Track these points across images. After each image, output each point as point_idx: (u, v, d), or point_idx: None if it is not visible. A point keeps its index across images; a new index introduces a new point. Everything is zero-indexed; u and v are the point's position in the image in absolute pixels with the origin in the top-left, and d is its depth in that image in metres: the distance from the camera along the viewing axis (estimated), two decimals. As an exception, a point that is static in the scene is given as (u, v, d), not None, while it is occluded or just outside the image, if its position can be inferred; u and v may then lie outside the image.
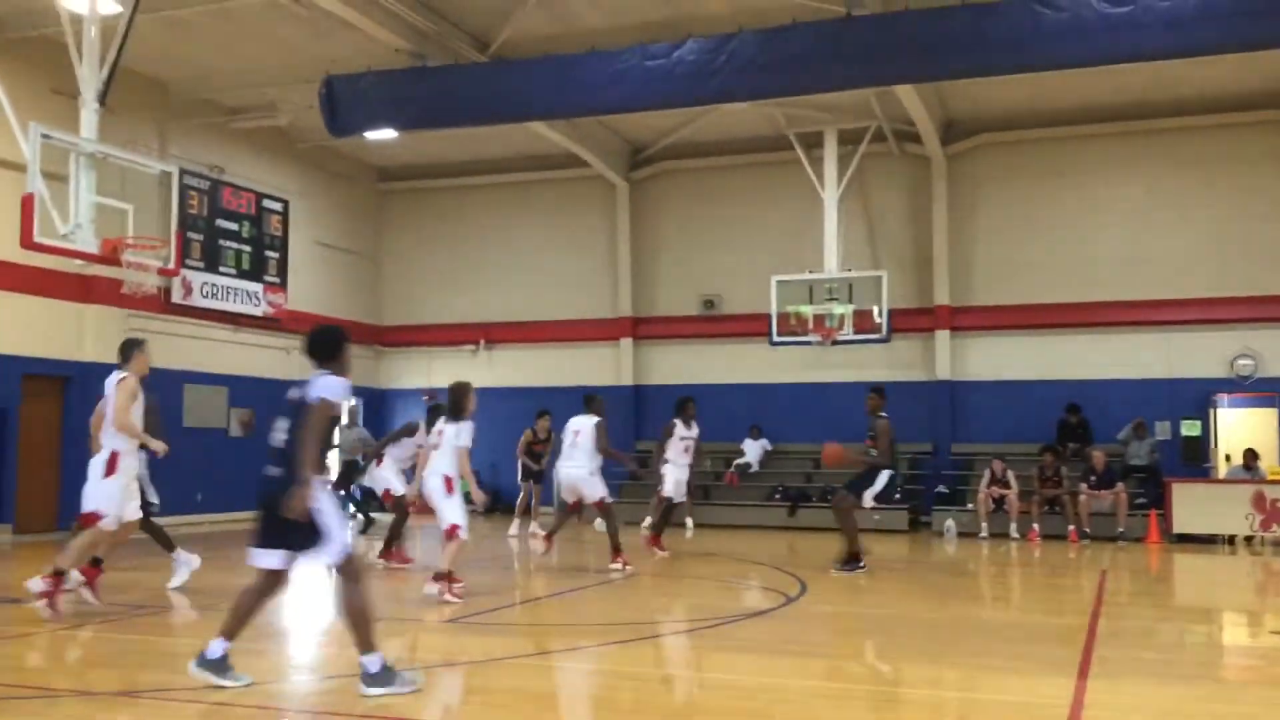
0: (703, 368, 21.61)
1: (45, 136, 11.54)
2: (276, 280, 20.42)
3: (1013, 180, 20.32)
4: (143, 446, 9.07)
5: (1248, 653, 8.64)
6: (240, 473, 19.01)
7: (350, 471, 17.90)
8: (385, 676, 5.72)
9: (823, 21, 13.54)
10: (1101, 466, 17.04)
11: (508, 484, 19.83)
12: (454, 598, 9.54)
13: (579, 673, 6.00)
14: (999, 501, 17.35)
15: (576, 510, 12.97)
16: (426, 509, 10.42)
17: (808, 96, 17.63)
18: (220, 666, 5.89)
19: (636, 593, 10.90)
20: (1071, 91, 18.43)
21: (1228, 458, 18.53)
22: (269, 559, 5.88)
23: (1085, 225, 19.78)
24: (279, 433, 5.87)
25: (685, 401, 14.04)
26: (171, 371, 18.30)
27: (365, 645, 5.72)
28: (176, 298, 18.21)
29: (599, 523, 18.80)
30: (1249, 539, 16.33)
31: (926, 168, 20.50)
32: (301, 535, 5.75)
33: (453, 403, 10.26)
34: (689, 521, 18.83)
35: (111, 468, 8.69)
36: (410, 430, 13.23)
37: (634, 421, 21.90)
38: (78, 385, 16.09)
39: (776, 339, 18.73)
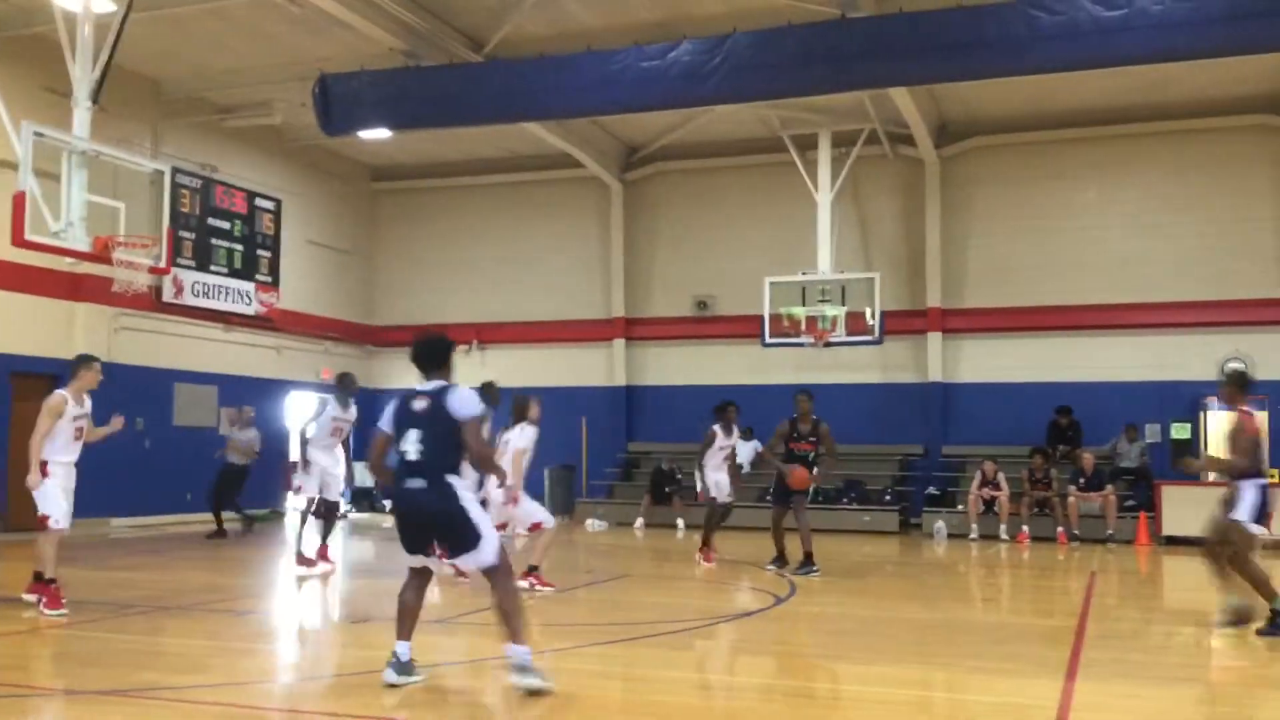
0: (695, 369, 21.62)
1: (38, 134, 11.51)
2: (268, 279, 20.39)
3: (1005, 183, 20.37)
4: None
5: (1235, 655, 8.67)
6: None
7: (239, 477, 16.25)
8: (532, 669, 5.89)
9: (817, 24, 13.55)
10: (1091, 469, 17.08)
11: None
12: (544, 588, 9.93)
13: (563, 673, 6.01)
14: (989, 503, 17.39)
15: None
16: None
17: (802, 98, 17.67)
18: (409, 668, 6.09)
19: (626, 594, 10.91)
20: (1065, 94, 18.48)
21: (1218, 461, 18.57)
22: (428, 562, 6.12)
23: (1077, 228, 19.82)
24: (411, 444, 5.96)
25: (726, 406, 12.85)
26: (162, 370, 18.30)
27: (517, 637, 5.93)
28: (168, 296, 18.18)
29: (591, 523, 18.87)
30: (1238, 542, 16.35)
31: (920, 170, 20.54)
32: (457, 540, 5.94)
33: (514, 411, 10.50)
34: (680, 523, 18.87)
35: (43, 474, 8.85)
36: (319, 410, 12.89)
37: (626, 422, 21.92)
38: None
39: (769, 340, 18.73)
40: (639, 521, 19.07)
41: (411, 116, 15.52)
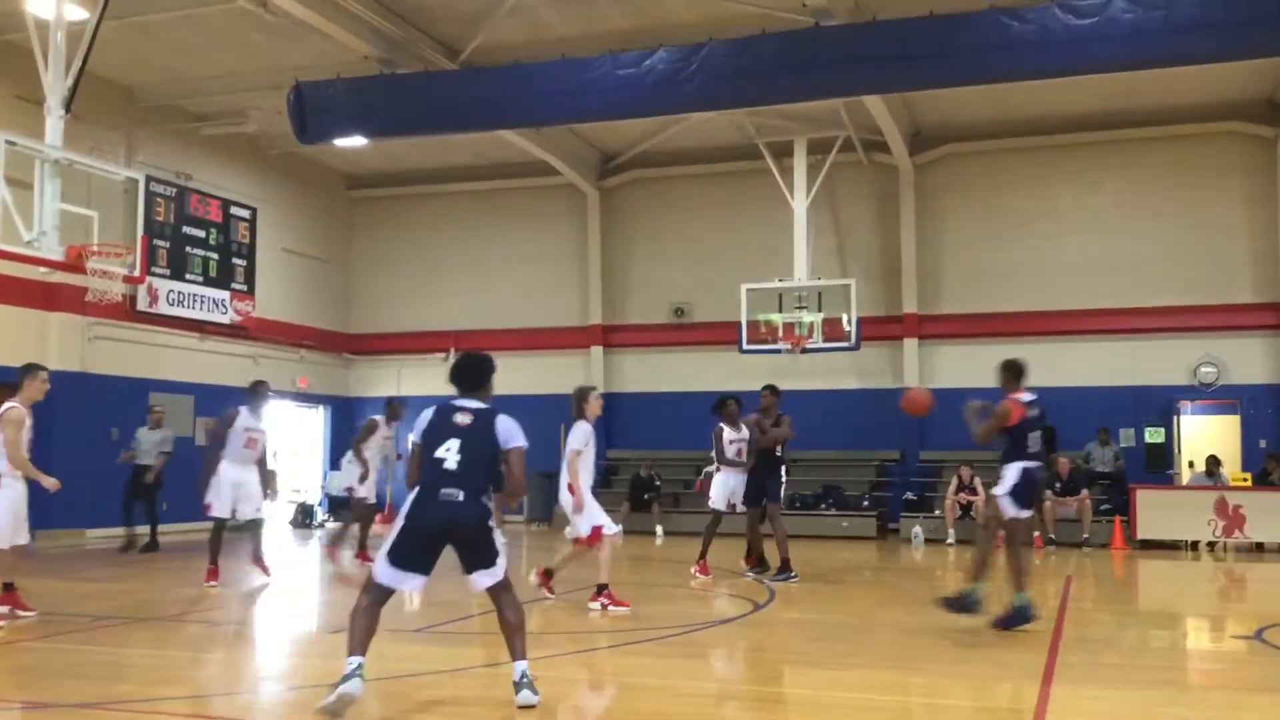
0: (673, 376, 21.65)
1: (9, 143, 11.42)
2: (244, 288, 20.28)
3: (980, 189, 20.52)
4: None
5: (1210, 657, 8.75)
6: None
7: (153, 481, 15.21)
8: (532, 684, 5.92)
9: (791, 32, 13.63)
10: (1066, 473, 17.20)
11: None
12: (617, 607, 9.30)
13: (539, 681, 5.99)
14: (966, 508, 17.48)
15: None
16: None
17: (777, 106, 17.75)
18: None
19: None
20: (1038, 102, 18.64)
21: (1191, 464, 18.76)
22: (416, 582, 5.94)
23: (1051, 234, 19.98)
24: (451, 454, 5.88)
25: (724, 401, 12.67)
26: (136, 380, 18.16)
27: (524, 652, 5.98)
28: (142, 305, 18.06)
29: (570, 530, 18.82)
30: (1211, 544, 16.53)
31: (894, 177, 20.65)
32: (479, 555, 5.94)
33: (573, 405, 10.07)
34: (659, 529, 18.86)
35: None
36: (371, 428, 13.06)
37: (604, 430, 21.88)
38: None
39: (746, 347, 18.78)
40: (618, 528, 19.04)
41: (387, 124, 15.50)
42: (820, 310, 18.33)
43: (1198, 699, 6.72)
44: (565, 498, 9.82)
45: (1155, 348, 19.28)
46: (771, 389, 12.77)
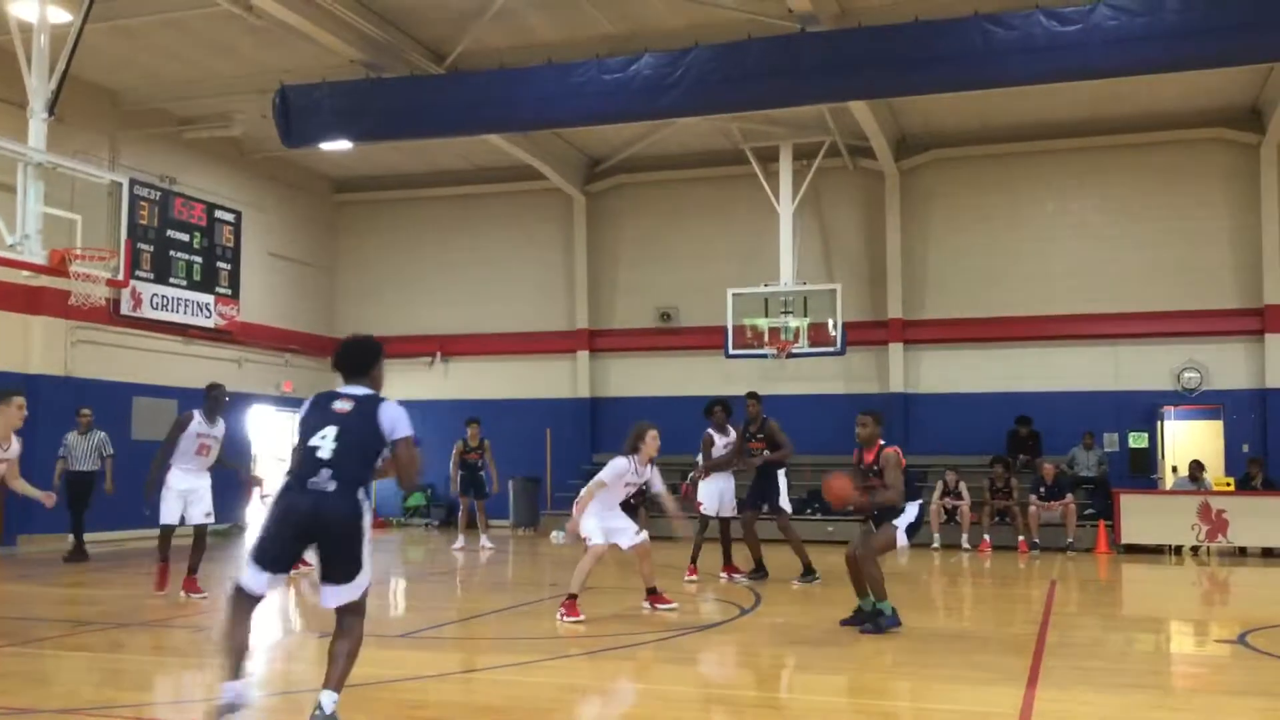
0: (659, 380, 21.65)
1: (-9, 146, 11.37)
2: (228, 292, 20.21)
3: (964, 195, 20.58)
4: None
5: (1194, 661, 8.79)
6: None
7: (88, 487, 14.72)
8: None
9: (777, 37, 13.66)
10: (1051, 478, 17.26)
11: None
12: (571, 617, 9.12)
13: (521, 686, 5.99)
14: (951, 512, 17.51)
15: None
16: None
17: (763, 111, 17.78)
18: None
19: (588, 607, 10.86)
20: (1022, 108, 18.72)
21: (1174, 469, 18.84)
22: (276, 583, 5.36)
23: (1035, 239, 20.05)
24: (325, 441, 5.30)
25: (713, 406, 12.75)
26: (120, 384, 18.07)
27: (340, 685, 5.31)
28: (125, 309, 17.96)
29: (555, 535, 18.80)
30: (1195, 549, 16.60)
31: (880, 182, 20.71)
32: (344, 563, 5.28)
33: (629, 439, 10.03)
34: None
35: None
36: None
37: (590, 434, 21.88)
38: (25, 398, 15.80)
39: (732, 352, 18.79)
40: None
41: (373, 128, 15.46)
42: (806, 315, 18.34)
43: (1181, 703, 6.75)
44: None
45: (1139, 353, 19.37)
46: (754, 396, 12.85)
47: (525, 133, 19.27)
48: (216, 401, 10.94)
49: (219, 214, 20.05)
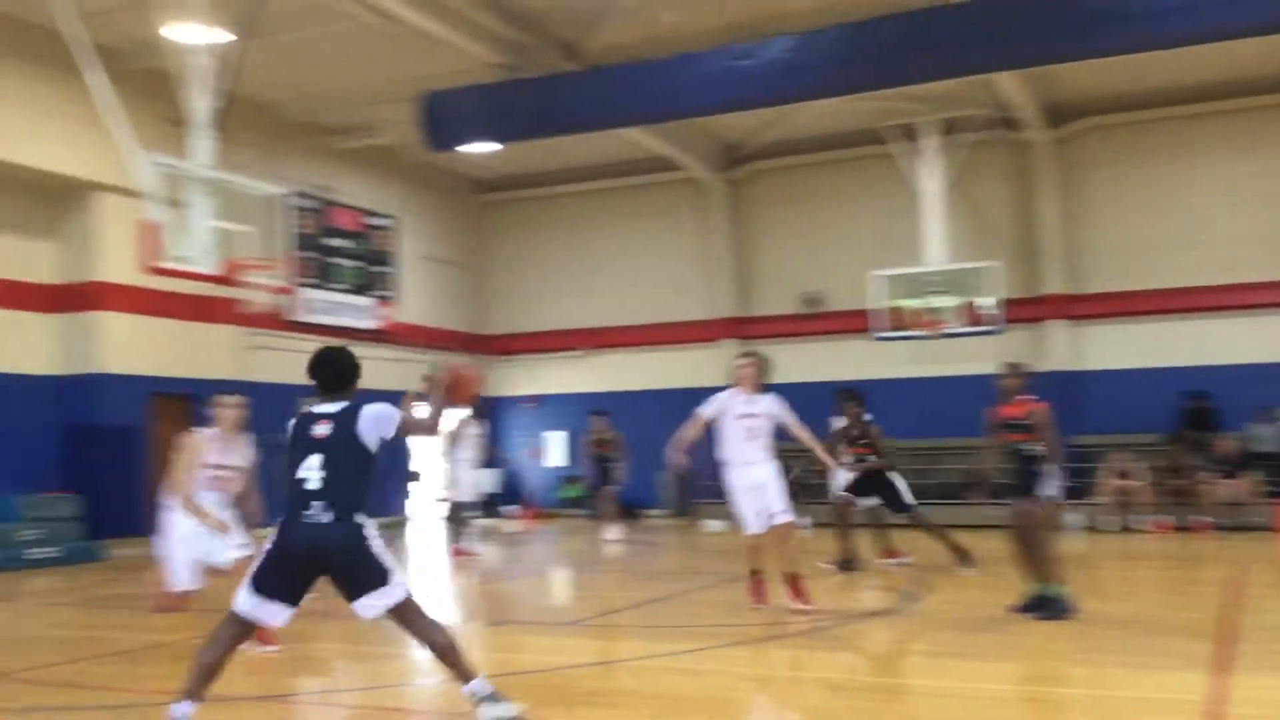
0: (805, 366, 21.35)
1: (162, 165, 12.01)
2: (386, 294, 20.93)
3: (1124, 163, 19.73)
4: None
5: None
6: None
7: None
8: (499, 696, 5.28)
9: (916, 11, 13.30)
10: (1229, 454, 16.44)
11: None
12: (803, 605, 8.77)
13: (692, 674, 6.02)
14: (1124, 493, 16.84)
15: None
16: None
17: (902, 88, 17.40)
18: None
19: (737, 593, 10.86)
20: (1182, 69, 17.79)
21: (1362, 441, 17.69)
22: (286, 615, 5.27)
23: (1202, 206, 19.10)
24: (312, 471, 5.17)
25: (846, 394, 12.39)
26: (289, 386, 18.85)
27: (467, 673, 5.27)
28: (291, 315, 18.77)
29: (709, 523, 18.84)
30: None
31: (1030, 153, 20.03)
32: (359, 579, 5.18)
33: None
34: (808, 521, 18.65)
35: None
36: (458, 430, 12.91)
37: (739, 422, 21.81)
38: (202, 403, 16.70)
39: (881, 334, 18.51)
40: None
41: (514, 128, 15.74)
42: (957, 294, 17.94)
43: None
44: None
45: (1319, 320, 18.27)
46: (852, 396, 12.31)
47: (661, 124, 19.33)
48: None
49: (374, 220, 20.77)
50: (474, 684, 5.24)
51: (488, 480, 16.59)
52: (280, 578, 5.15)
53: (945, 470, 18.76)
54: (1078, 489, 18.44)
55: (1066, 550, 14.68)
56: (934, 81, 16.57)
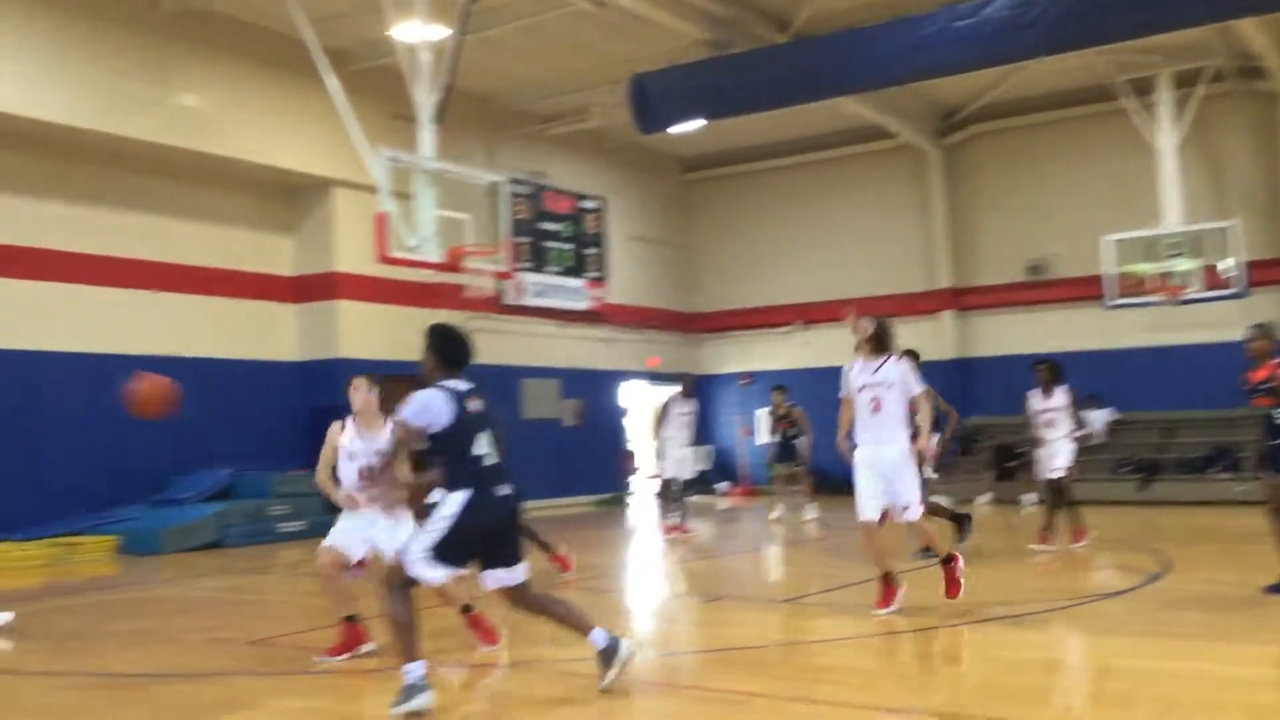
0: (1031, 336, 20.54)
1: (392, 160, 12.62)
2: (597, 275, 21.30)
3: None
4: None
5: None
6: (573, 461, 20.09)
7: None
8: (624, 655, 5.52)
9: (1149, -45, 12.49)
10: None
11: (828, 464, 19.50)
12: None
13: (930, 655, 5.88)
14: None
15: None
16: None
17: (1135, 40, 16.36)
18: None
19: (976, 572, 10.53)
20: None
21: None
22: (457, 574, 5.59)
23: None
24: (488, 446, 5.50)
25: (1045, 364, 11.88)
26: (510, 367, 19.58)
27: (590, 622, 5.57)
28: (510, 298, 19.37)
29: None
30: None
31: (1274, 105, 18.55)
32: (507, 550, 5.56)
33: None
34: (1023, 499, 18.00)
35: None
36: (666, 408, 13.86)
37: (961, 395, 21.16)
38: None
39: (1114, 302, 17.54)
40: (986, 496, 18.49)
41: (724, 104, 15.65)
42: (1196, 257, 16.80)
43: None
44: None
45: None
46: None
47: (874, 92, 18.86)
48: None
49: (584, 203, 21.16)
50: (599, 633, 5.50)
51: (699, 458, 16.72)
52: (465, 549, 5.42)
53: (1185, 444, 17.70)
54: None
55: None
56: (1172, 31, 15.54)
